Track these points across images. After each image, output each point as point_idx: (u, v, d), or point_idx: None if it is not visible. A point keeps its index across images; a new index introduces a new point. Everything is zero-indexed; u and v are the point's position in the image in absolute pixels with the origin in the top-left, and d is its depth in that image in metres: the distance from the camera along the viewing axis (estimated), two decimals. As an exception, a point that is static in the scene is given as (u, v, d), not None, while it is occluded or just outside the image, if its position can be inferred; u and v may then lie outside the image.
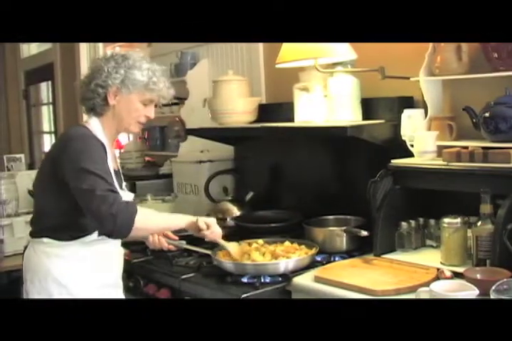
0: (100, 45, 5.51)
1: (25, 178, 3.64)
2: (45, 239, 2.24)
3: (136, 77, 2.26)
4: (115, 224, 2.05)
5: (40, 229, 2.27)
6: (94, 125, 2.29)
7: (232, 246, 2.51)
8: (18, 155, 4.54)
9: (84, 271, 2.26)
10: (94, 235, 2.25)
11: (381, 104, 2.80)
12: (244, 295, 2.23)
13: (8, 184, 3.43)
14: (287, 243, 2.63)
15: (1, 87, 7.36)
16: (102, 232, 2.14)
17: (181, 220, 2.35)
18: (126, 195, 2.33)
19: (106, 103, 2.28)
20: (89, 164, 2.11)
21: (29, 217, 3.32)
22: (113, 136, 2.39)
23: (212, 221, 2.39)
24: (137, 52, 2.37)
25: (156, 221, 2.30)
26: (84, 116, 2.42)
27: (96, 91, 2.26)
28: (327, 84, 2.80)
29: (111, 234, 2.11)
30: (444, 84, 2.57)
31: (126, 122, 2.33)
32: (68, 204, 2.17)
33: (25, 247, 2.36)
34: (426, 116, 2.54)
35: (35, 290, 2.23)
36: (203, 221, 2.35)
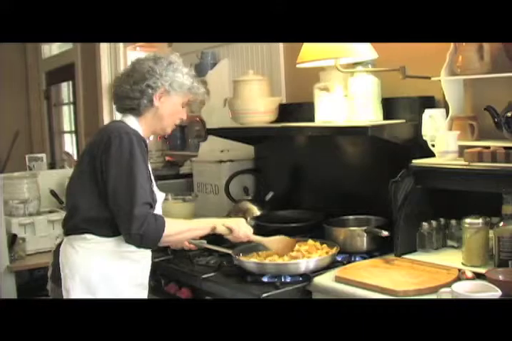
0: (121, 45, 5.54)
1: (47, 177, 3.67)
2: (86, 235, 2.22)
3: (183, 81, 2.32)
4: (141, 243, 2.13)
5: (79, 224, 2.24)
6: (133, 124, 2.30)
7: (272, 243, 2.52)
8: (39, 155, 4.57)
9: (123, 267, 2.26)
10: None
11: (402, 104, 2.79)
12: (265, 295, 2.23)
13: (30, 183, 3.45)
14: (310, 241, 2.63)
15: (22, 87, 7.41)
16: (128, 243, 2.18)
17: (206, 229, 2.37)
18: (159, 196, 2.33)
19: (151, 104, 2.30)
20: (134, 169, 2.14)
21: (51, 216, 3.38)
22: (147, 137, 2.40)
23: (234, 224, 2.41)
24: (176, 55, 2.38)
25: (182, 234, 2.31)
26: (118, 115, 2.41)
27: (145, 92, 2.27)
28: (348, 84, 2.80)
29: (135, 246, 2.18)
30: (466, 84, 2.55)
31: (166, 123, 2.37)
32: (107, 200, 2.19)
33: (59, 245, 2.34)
34: (447, 115, 2.53)
35: (77, 286, 2.20)
36: (223, 226, 2.37)
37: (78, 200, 2.25)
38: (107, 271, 2.23)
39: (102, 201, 2.19)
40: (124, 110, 2.36)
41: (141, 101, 2.29)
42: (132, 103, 2.30)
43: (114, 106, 2.46)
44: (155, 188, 2.32)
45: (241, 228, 2.42)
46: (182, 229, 2.31)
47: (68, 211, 2.33)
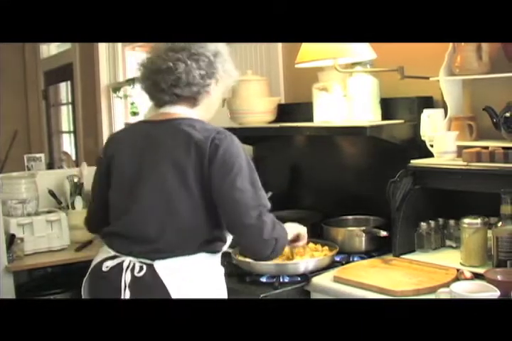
0: (119, 45, 5.54)
1: (45, 178, 3.66)
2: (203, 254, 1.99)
3: (231, 67, 2.12)
4: (274, 249, 1.90)
5: (195, 247, 1.97)
6: (197, 117, 2.07)
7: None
8: (38, 155, 4.56)
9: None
10: None
11: (400, 104, 2.79)
12: (263, 295, 2.23)
13: (28, 183, 3.44)
14: (311, 244, 2.63)
15: (20, 88, 7.40)
16: (253, 255, 2.02)
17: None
18: None
19: (208, 92, 2.06)
20: (251, 176, 1.95)
21: (49, 216, 3.38)
22: None
23: (302, 232, 2.29)
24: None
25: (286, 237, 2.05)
26: (169, 107, 2.07)
27: (214, 77, 2.05)
28: (346, 84, 2.80)
29: (264, 258, 1.97)
30: (464, 84, 2.55)
31: (212, 114, 2.19)
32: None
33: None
34: (446, 116, 2.53)
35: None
36: (292, 233, 2.21)
37: (191, 222, 1.94)
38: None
39: (215, 221, 1.96)
40: (177, 99, 2.05)
41: (207, 89, 2.05)
42: (198, 91, 2.04)
43: (161, 95, 2.06)
44: None
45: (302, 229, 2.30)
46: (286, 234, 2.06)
47: (169, 229, 1.95)
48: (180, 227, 1.93)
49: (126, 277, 1.91)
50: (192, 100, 2.06)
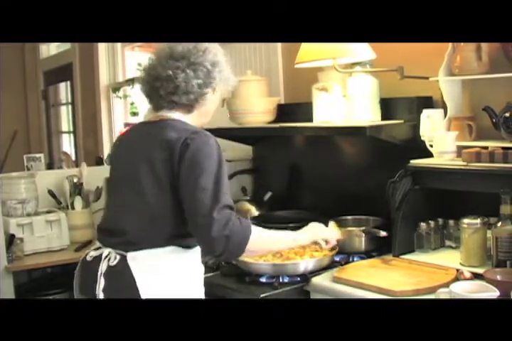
0: (118, 45, 5.54)
1: (45, 178, 3.66)
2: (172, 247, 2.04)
3: (229, 74, 2.17)
4: (226, 247, 1.89)
5: (162, 239, 2.03)
6: (189, 121, 2.13)
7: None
8: (37, 155, 4.56)
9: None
10: None
11: (400, 104, 2.79)
12: (263, 295, 2.23)
13: (28, 183, 3.44)
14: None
15: (20, 88, 7.41)
16: (209, 254, 2.03)
17: (295, 241, 2.21)
18: None
19: (204, 100, 2.12)
20: (217, 175, 1.95)
21: (49, 216, 3.38)
22: None
23: (330, 235, 2.32)
24: (216, 44, 2.19)
25: (269, 243, 2.11)
26: (166, 112, 2.13)
27: (211, 87, 2.11)
28: (346, 84, 2.80)
29: (218, 256, 1.96)
30: (464, 84, 2.55)
31: (206, 119, 2.24)
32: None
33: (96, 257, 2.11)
34: (445, 116, 2.53)
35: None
36: (322, 239, 2.28)
37: (160, 216, 2.01)
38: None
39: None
40: (174, 106, 2.12)
41: (205, 97, 2.12)
42: (195, 99, 2.10)
43: (159, 101, 2.13)
44: None
45: (335, 234, 2.34)
46: (267, 239, 2.11)
47: (140, 223, 2.03)
48: (150, 221, 2.01)
49: (103, 266, 2.03)
50: (188, 107, 2.13)
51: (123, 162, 2.16)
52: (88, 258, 2.12)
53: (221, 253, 1.91)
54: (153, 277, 1.99)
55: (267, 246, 2.13)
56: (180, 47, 2.11)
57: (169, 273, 2.03)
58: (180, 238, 2.03)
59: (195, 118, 2.17)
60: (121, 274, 1.99)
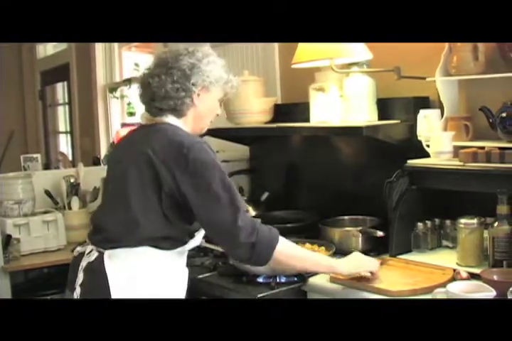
0: (115, 45, 5.54)
1: (42, 178, 3.65)
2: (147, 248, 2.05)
3: (221, 74, 2.18)
4: (252, 254, 1.96)
5: (140, 241, 2.05)
6: (180, 126, 2.15)
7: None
8: (34, 155, 4.54)
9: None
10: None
11: (397, 104, 2.79)
12: (260, 295, 2.23)
13: (24, 184, 3.43)
14: (308, 245, 2.63)
15: (17, 88, 7.40)
16: (236, 259, 2.13)
17: (332, 268, 2.20)
18: None
19: (192, 102, 2.14)
20: (224, 182, 2.00)
21: (46, 217, 3.37)
22: None
23: (374, 267, 2.23)
24: (209, 47, 2.23)
25: (300, 258, 2.13)
26: (159, 117, 2.18)
27: (190, 90, 2.11)
28: (343, 85, 2.80)
29: (247, 261, 2.04)
30: (460, 84, 2.56)
31: (205, 122, 2.24)
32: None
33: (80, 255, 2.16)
34: (442, 116, 2.53)
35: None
36: (366, 272, 2.21)
37: (139, 217, 2.01)
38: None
39: (167, 220, 2.02)
40: (162, 111, 2.16)
41: (185, 101, 2.12)
42: (175, 103, 2.12)
43: (148, 107, 2.21)
44: None
45: (374, 265, 2.25)
46: (300, 254, 2.15)
47: (120, 223, 2.06)
48: (128, 221, 2.03)
49: (84, 262, 2.09)
50: (175, 111, 2.15)
51: (116, 163, 2.19)
52: (75, 253, 2.19)
53: (249, 259, 1.99)
54: (125, 275, 2.02)
55: (297, 261, 2.12)
56: (165, 55, 2.17)
57: (142, 273, 2.04)
58: (159, 240, 2.05)
59: (190, 122, 2.19)
60: (96, 271, 2.02)
